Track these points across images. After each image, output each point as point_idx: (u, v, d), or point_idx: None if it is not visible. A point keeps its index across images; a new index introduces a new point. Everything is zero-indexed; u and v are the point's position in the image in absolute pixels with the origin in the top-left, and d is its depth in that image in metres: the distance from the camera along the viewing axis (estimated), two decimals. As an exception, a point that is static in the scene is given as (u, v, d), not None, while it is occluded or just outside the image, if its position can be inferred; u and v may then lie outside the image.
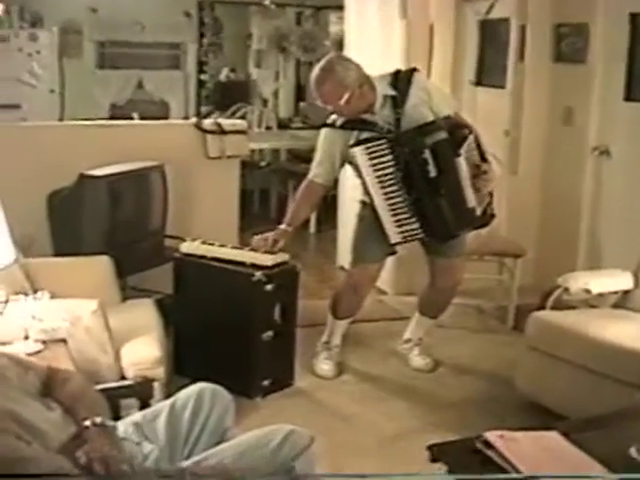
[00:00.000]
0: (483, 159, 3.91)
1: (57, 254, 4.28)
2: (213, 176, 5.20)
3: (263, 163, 8.42)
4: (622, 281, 4.03)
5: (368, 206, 3.98)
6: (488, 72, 5.84)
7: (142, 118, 7.24)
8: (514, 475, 2.27)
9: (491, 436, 2.45)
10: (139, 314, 3.78)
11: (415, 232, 3.88)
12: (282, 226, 4.03)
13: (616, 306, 4.02)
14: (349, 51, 5.72)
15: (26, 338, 3.13)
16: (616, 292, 4.03)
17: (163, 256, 4.50)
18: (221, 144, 5.23)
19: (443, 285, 4.21)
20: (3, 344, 3.04)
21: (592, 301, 4.03)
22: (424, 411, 3.92)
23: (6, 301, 3.17)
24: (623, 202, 4.98)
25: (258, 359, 3.99)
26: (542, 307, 3.98)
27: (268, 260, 3.93)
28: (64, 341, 3.16)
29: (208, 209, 5.12)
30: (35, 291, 3.43)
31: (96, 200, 4.28)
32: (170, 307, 4.17)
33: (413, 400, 4.05)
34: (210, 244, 4.10)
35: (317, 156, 4.04)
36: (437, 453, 2.50)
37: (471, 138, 3.85)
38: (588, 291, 3.94)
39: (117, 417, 2.54)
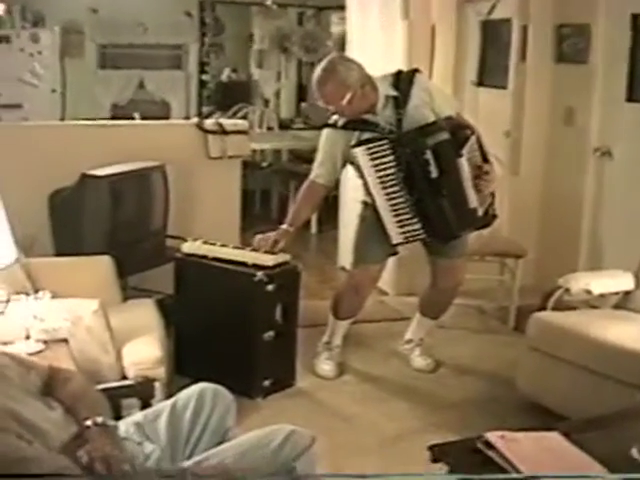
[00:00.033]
0: (485, 160, 3.91)
1: (58, 254, 4.29)
2: (214, 176, 5.20)
3: (264, 163, 8.42)
4: (623, 282, 4.03)
5: (370, 207, 3.97)
6: (490, 73, 5.84)
7: (143, 118, 7.24)
8: (514, 475, 2.27)
9: (492, 436, 2.45)
10: (140, 314, 3.78)
11: (417, 233, 3.88)
12: (283, 226, 4.04)
13: (617, 307, 4.02)
14: (351, 52, 5.72)
15: (27, 338, 3.13)
16: (617, 293, 4.03)
17: (164, 256, 4.50)
18: (222, 144, 5.24)
19: (444, 286, 4.21)
20: (4, 344, 3.04)
21: (593, 302, 4.04)
22: (425, 411, 3.92)
23: (7, 301, 3.17)
24: (624, 203, 4.98)
25: (259, 359, 3.99)
26: (543, 308, 3.98)
27: (269, 260, 3.93)
28: (65, 341, 3.16)
29: (209, 209, 5.12)
30: (36, 291, 3.43)
31: (97, 200, 4.28)
32: (171, 307, 4.17)
33: (414, 400, 4.05)
34: (211, 244, 4.10)
35: (319, 156, 4.04)
36: (438, 453, 2.50)
37: (473, 139, 3.85)
38: (589, 292, 3.94)
39: (118, 417, 2.54)
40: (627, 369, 3.41)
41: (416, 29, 5.40)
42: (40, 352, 3.07)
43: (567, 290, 3.96)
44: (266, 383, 3.99)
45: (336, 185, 4.53)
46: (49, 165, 4.55)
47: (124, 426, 2.45)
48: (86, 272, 3.91)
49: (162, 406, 2.55)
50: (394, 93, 3.85)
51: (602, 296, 4.01)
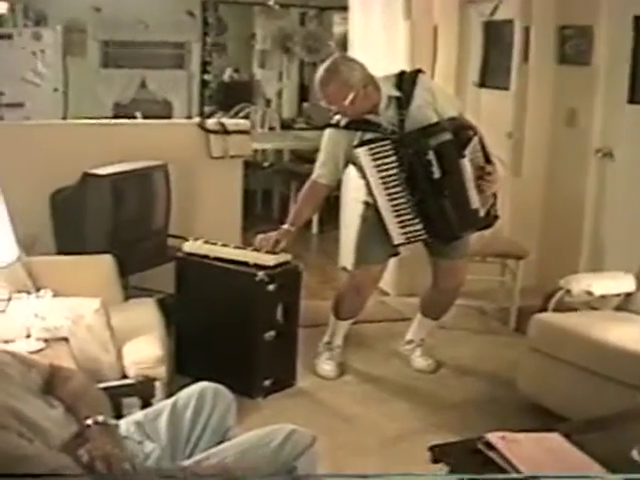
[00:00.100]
0: (487, 160, 3.91)
1: (60, 253, 4.29)
2: (216, 176, 5.20)
3: (266, 163, 8.42)
4: (624, 283, 4.02)
5: (371, 207, 3.97)
6: (492, 74, 5.84)
7: (145, 117, 7.25)
8: (515, 476, 2.27)
9: (492, 437, 2.45)
10: (141, 313, 3.78)
11: (418, 233, 3.88)
12: (285, 226, 4.04)
13: (618, 308, 4.01)
14: (353, 52, 5.71)
15: (28, 336, 3.13)
16: (618, 294, 4.02)
17: (166, 255, 4.50)
18: (224, 144, 5.24)
19: (446, 286, 4.21)
20: (5, 342, 3.04)
21: (594, 303, 4.03)
22: (426, 412, 3.92)
23: (9, 299, 3.17)
24: (626, 204, 4.98)
25: (260, 359, 3.99)
26: (544, 309, 3.98)
27: (270, 260, 3.93)
28: (66, 339, 3.16)
29: (211, 209, 5.13)
30: (38, 289, 3.43)
31: (99, 199, 4.28)
32: (172, 306, 4.18)
33: (415, 401, 4.05)
34: (213, 244, 4.10)
35: (321, 157, 4.04)
36: (438, 454, 2.50)
37: (476, 140, 3.85)
38: (590, 293, 3.94)
39: (119, 416, 2.54)
40: (628, 370, 3.40)
41: (418, 30, 5.40)
42: (41, 350, 3.06)
43: (568, 291, 3.96)
44: (267, 383, 3.99)
45: (337, 185, 4.53)
46: (51, 164, 4.55)
47: (125, 425, 2.45)
48: (87, 271, 3.91)
49: (163, 405, 2.55)
50: (397, 93, 3.84)
51: (603, 297, 4.00)
